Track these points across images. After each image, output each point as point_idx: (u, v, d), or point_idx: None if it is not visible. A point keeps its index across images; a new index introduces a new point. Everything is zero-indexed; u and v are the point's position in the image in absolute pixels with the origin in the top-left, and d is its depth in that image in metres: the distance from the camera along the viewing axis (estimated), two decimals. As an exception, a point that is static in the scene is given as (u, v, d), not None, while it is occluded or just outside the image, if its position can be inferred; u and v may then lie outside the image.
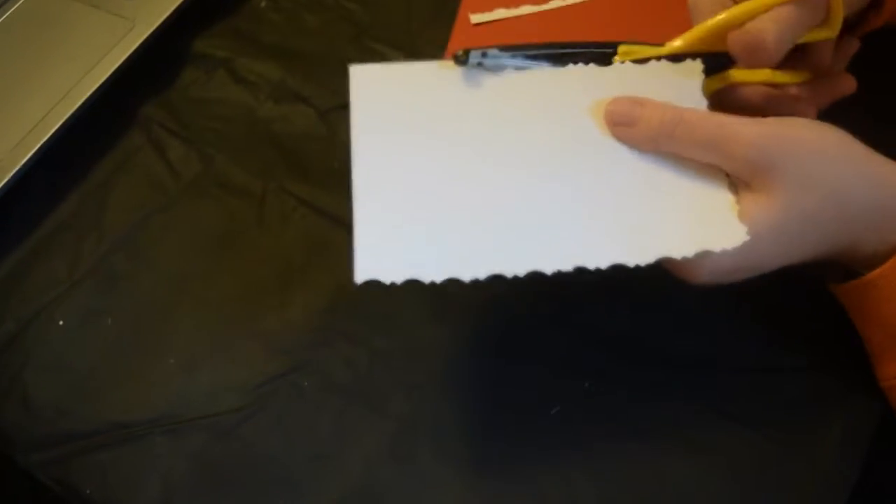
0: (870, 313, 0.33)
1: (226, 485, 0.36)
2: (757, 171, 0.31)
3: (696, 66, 0.34)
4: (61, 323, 0.41)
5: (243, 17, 0.53)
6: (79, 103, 0.46)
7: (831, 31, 0.35)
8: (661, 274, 0.32)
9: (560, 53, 0.34)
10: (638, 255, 0.30)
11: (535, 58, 0.34)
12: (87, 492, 0.37)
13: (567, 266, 0.30)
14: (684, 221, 0.31)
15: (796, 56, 0.36)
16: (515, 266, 0.30)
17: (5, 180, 0.43)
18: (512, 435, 0.37)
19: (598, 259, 0.30)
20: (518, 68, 0.34)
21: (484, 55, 0.33)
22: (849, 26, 0.37)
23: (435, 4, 0.52)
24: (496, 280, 0.41)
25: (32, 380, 0.40)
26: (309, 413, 0.38)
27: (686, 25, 0.38)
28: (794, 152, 0.30)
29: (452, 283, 0.41)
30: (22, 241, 0.44)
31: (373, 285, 0.41)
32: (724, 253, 0.30)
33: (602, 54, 0.34)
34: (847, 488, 0.35)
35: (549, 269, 0.30)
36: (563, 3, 0.51)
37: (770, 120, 0.31)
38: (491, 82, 0.34)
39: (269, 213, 0.44)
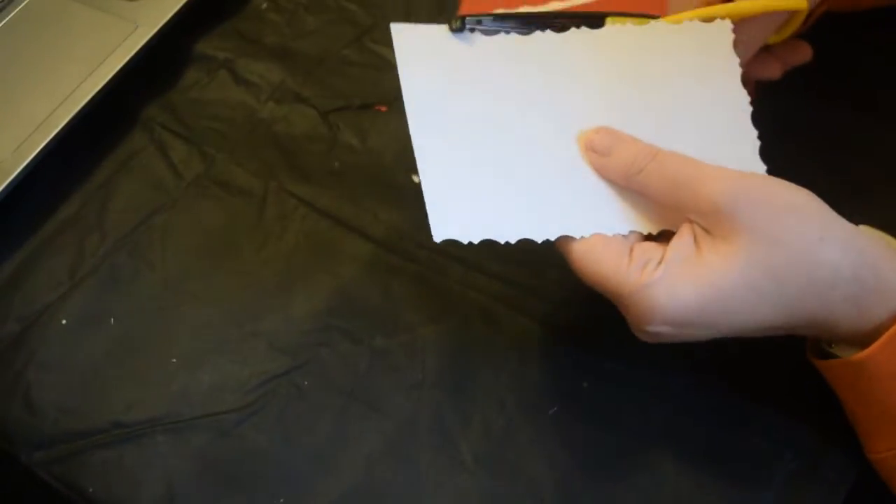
0: (859, 391, 0.32)
1: (226, 484, 0.37)
2: (722, 218, 0.29)
3: (726, 26, 0.34)
4: (64, 322, 0.42)
5: (244, 18, 0.53)
6: (81, 104, 0.46)
7: (782, 37, 0.36)
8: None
9: (553, 22, 0.35)
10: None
11: (528, 25, 0.35)
12: (90, 490, 0.37)
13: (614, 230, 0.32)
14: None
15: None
16: (578, 228, 0.31)
17: (8, 181, 0.44)
18: (511, 435, 0.37)
19: (621, 226, 0.32)
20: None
21: (479, 22, 0.34)
22: None
23: (434, 5, 0.52)
24: (495, 280, 0.41)
25: (35, 379, 0.40)
26: (309, 413, 0.38)
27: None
28: (765, 203, 0.29)
29: (451, 282, 0.42)
30: (24, 241, 0.44)
31: (373, 285, 0.42)
32: (684, 295, 0.29)
33: (590, 25, 0.35)
34: (846, 488, 0.35)
35: (609, 231, 0.32)
36: (562, 5, 0.51)
37: (743, 172, 0.30)
38: (526, 42, 0.35)
39: (269, 214, 0.45)
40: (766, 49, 0.37)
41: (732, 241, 0.29)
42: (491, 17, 0.34)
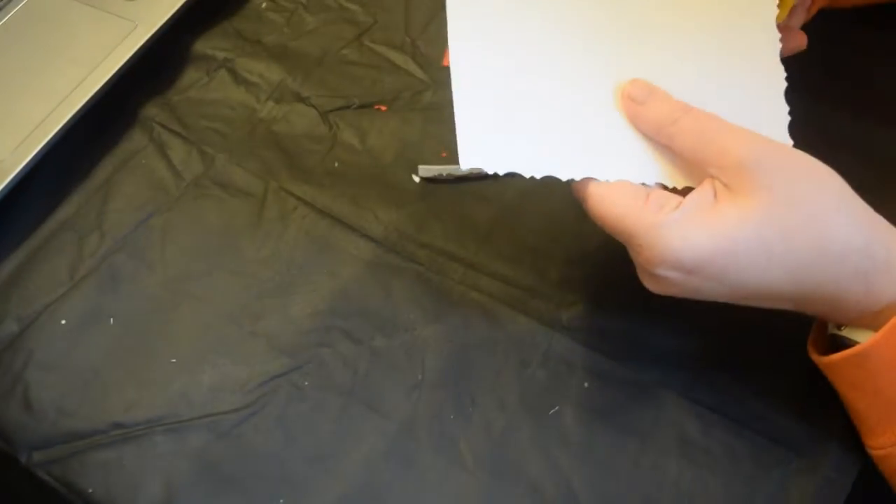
0: (863, 385, 0.32)
1: (226, 484, 0.37)
2: (745, 174, 0.30)
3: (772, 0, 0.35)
4: (63, 323, 0.42)
5: (244, 17, 0.53)
6: (80, 104, 0.46)
7: (779, 17, 0.36)
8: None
9: None
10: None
11: None
12: (89, 491, 0.37)
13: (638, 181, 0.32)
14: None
15: None
16: (603, 172, 0.32)
17: (7, 181, 0.44)
18: (512, 435, 0.37)
19: (645, 177, 0.32)
20: None
21: None
22: None
23: (435, 4, 0.52)
24: (495, 280, 0.41)
25: (34, 379, 0.40)
26: (309, 413, 0.38)
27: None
28: (787, 167, 0.30)
29: (451, 282, 0.42)
30: (24, 241, 0.44)
31: (373, 285, 0.42)
32: (697, 240, 0.29)
33: None
34: (846, 488, 0.35)
35: (635, 179, 0.32)
36: (563, 4, 0.51)
37: (771, 141, 0.31)
38: None
39: (269, 214, 0.44)
40: None
41: (751, 198, 0.29)
42: None
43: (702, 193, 0.31)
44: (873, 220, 0.30)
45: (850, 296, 0.30)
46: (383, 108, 0.48)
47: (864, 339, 0.31)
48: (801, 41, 0.38)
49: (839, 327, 0.33)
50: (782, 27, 0.37)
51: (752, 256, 0.30)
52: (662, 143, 0.33)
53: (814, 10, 0.38)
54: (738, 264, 0.30)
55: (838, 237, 0.30)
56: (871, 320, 0.31)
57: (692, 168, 0.32)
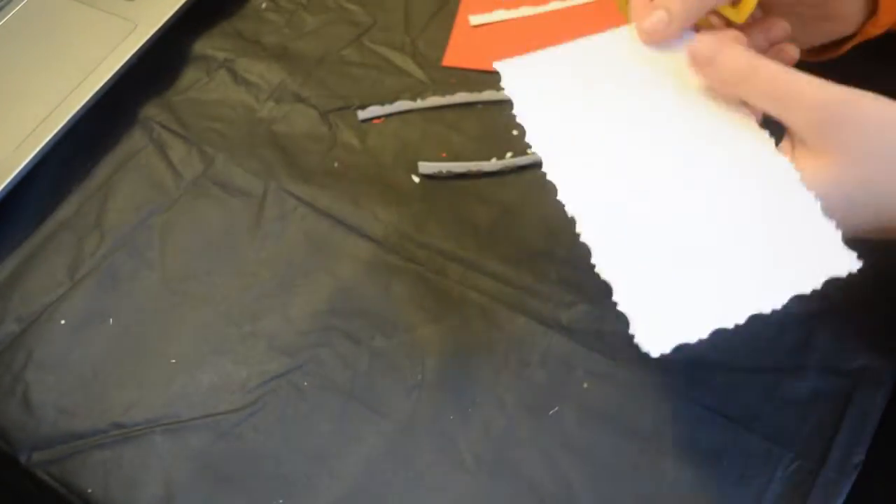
0: None
1: (226, 484, 0.37)
2: (818, 133, 0.30)
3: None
4: (63, 323, 0.42)
5: (244, 18, 0.53)
6: (81, 104, 0.46)
7: (740, 17, 0.35)
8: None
9: None
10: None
11: None
12: (89, 491, 0.37)
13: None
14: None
15: None
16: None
17: (7, 180, 0.44)
18: (511, 435, 0.37)
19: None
20: None
21: None
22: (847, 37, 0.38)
23: (434, 5, 0.52)
24: (495, 280, 0.41)
25: (34, 379, 0.40)
26: (309, 413, 0.38)
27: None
28: (856, 121, 0.30)
29: (451, 282, 0.42)
30: (24, 240, 0.44)
31: (373, 285, 0.42)
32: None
33: None
34: (846, 489, 0.35)
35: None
36: (563, 5, 0.51)
37: (838, 87, 0.31)
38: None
39: (269, 214, 0.44)
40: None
41: (826, 154, 0.30)
42: None
43: (783, 150, 0.32)
44: None
45: None
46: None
47: None
48: (783, 27, 0.37)
49: None
50: (758, 22, 0.37)
51: (834, 206, 0.30)
52: (738, 95, 0.32)
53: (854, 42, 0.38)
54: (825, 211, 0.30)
55: None
56: None
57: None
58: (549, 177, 0.32)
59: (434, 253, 0.42)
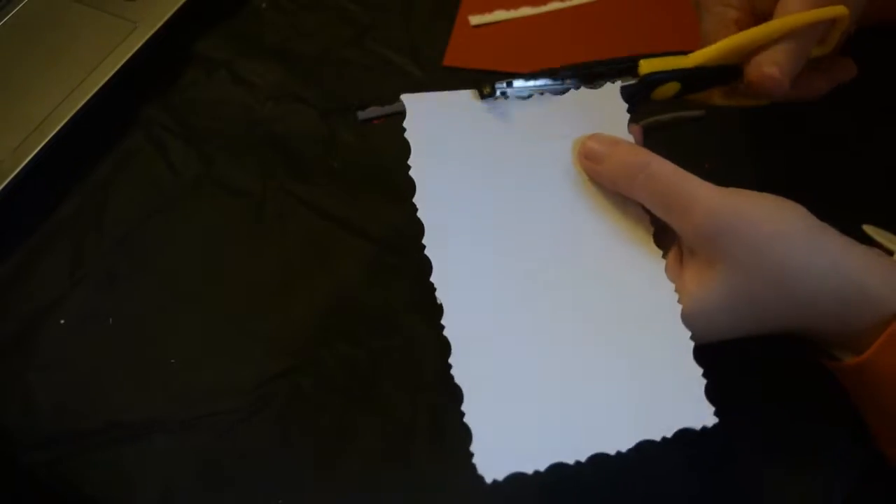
0: (865, 392, 0.32)
1: (226, 484, 0.37)
2: (705, 243, 0.30)
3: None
4: (63, 322, 0.42)
5: (244, 18, 0.53)
6: (81, 104, 0.46)
7: (826, 49, 0.35)
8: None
9: (584, 73, 0.34)
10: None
11: (561, 79, 0.34)
12: (89, 490, 0.37)
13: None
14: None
15: None
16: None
17: (7, 180, 0.44)
18: (511, 435, 0.37)
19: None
20: (540, 92, 0.34)
21: (509, 85, 0.34)
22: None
23: (435, 6, 0.52)
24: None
25: (34, 379, 0.40)
26: (309, 413, 0.38)
27: (683, 27, 0.39)
28: (745, 233, 0.29)
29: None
30: (24, 240, 0.44)
31: (373, 285, 0.42)
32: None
33: (627, 69, 0.35)
34: (846, 489, 0.35)
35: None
36: (562, 5, 0.51)
37: (732, 191, 0.30)
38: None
39: (269, 213, 0.44)
40: (812, 65, 0.36)
41: (713, 267, 0.30)
42: (523, 78, 0.33)
43: (670, 263, 0.32)
44: (844, 265, 0.30)
45: (827, 329, 0.31)
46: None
47: (849, 357, 0.32)
48: (850, 68, 0.37)
49: (829, 347, 0.33)
50: (828, 59, 0.37)
51: (719, 320, 0.30)
52: (625, 193, 0.32)
53: (847, 76, 0.38)
54: (710, 325, 0.30)
55: (807, 290, 0.29)
56: (855, 344, 0.31)
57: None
58: (426, 251, 0.31)
59: (434, 253, 0.42)
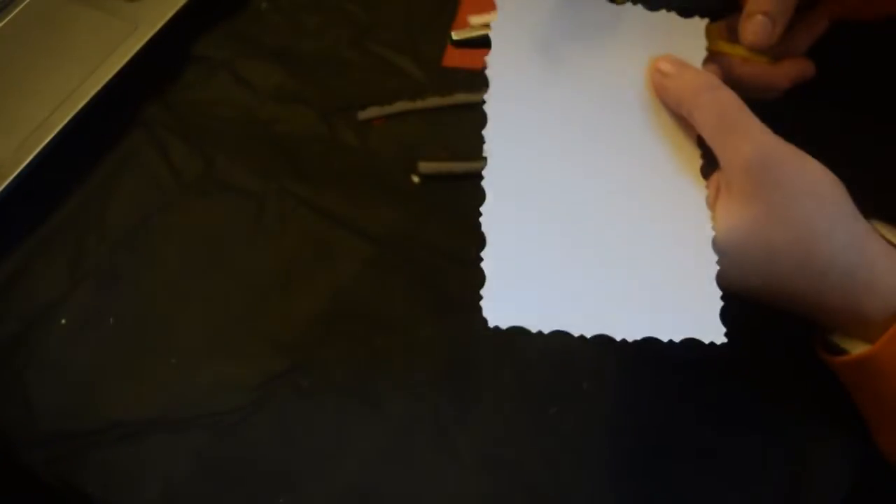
0: (867, 388, 0.32)
1: (226, 484, 0.37)
2: (745, 176, 0.30)
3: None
4: (63, 322, 0.42)
5: (244, 18, 0.53)
6: (81, 104, 0.46)
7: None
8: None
9: None
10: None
11: None
12: (89, 490, 0.37)
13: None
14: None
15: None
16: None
17: (8, 180, 0.44)
18: (511, 435, 0.37)
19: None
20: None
21: None
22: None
23: (435, 6, 0.52)
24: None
25: (34, 379, 0.40)
26: (309, 413, 0.38)
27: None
28: (788, 182, 0.30)
29: (451, 282, 0.42)
30: (24, 240, 0.44)
31: (373, 285, 0.42)
32: None
33: None
34: (845, 489, 0.35)
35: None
36: (563, 4, 0.51)
37: (785, 141, 0.30)
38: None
39: (269, 213, 0.45)
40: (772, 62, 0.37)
41: (746, 207, 0.30)
42: None
43: (710, 186, 0.32)
44: (865, 242, 0.30)
45: (833, 307, 0.31)
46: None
47: (853, 347, 0.32)
48: (807, 69, 0.37)
49: (832, 332, 0.33)
50: (788, 55, 0.37)
51: (732, 261, 0.30)
52: (685, 113, 0.33)
53: (820, 30, 0.38)
54: (721, 264, 0.30)
55: (821, 258, 0.30)
56: (862, 332, 0.31)
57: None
58: (485, 105, 0.32)
59: (434, 253, 0.42)
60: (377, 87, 0.49)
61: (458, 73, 0.49)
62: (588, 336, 0.29)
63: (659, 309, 0.30)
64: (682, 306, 0.30)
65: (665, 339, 0.29)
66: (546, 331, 0.29)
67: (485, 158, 0.32)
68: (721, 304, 0.30)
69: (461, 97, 0.47)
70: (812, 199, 0.30)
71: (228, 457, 0.37)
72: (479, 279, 0.29)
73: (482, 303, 0.29)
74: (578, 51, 0.35)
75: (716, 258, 0.30)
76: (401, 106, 0.47)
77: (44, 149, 0.45)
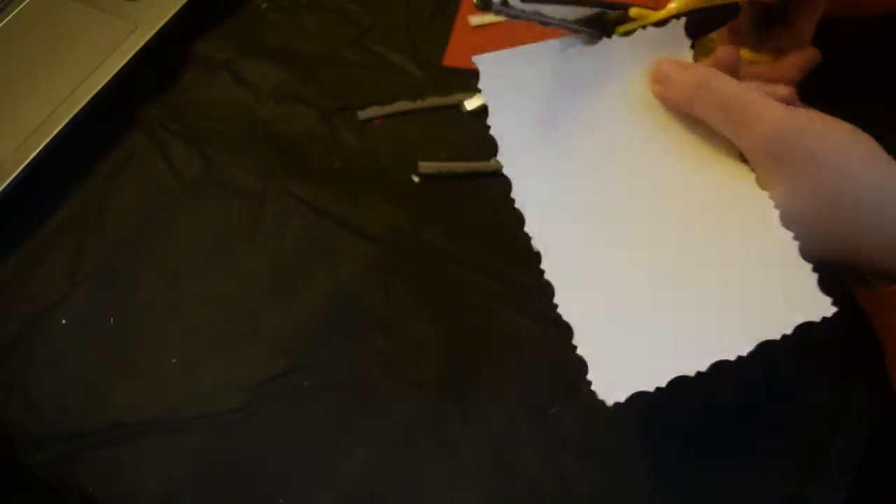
0: (888, 321, 0.33)
1: (226, 483, 0.37)
2: (766, 159, 0.30)
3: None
4: (64, 322, 0.42)
5: (244, 18, 0.53)
6: (81, 104, 0.46)
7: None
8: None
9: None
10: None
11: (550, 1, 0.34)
12: (90, 490, 0.37)
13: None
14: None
15: (778, 32, 0.37)
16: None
17: (9, 181, 0.44)
18: (511, 435, 0.37)
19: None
20: (534, 12, 0.34)
21: (504, 3, 0.33)
22: None
23: (435, 6, 0.52)
24: (495, 280, 0.41)
25: (35, 379, 0.40)
26: (309, 413, 0.38)
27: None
28: (809, 152, 0.29)
29: (451, 282, 0.42)
30: (25, 241, 0.45)
31: (373, 285, 0.42)
32: None
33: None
34: (845, 489, 0.35)
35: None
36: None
37: (799, 110, 0.30)
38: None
39: (269, 214, 0.45)
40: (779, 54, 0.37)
41: (771, 187, 0.30)
42: None
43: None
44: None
45: (872, 253, 0.30)
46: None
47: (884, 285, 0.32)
48: (813, 56, 0.37)
49: (871, 277, 0.33)
50: (793, 47, 0.37)
51: (808, 229, 0.30)
52: (692, 114, 0.32)
53: (819, 13, 0.38)
54: (799, 236, 0.30)
55: (857, 217, 0.29)
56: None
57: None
58: (517, 204, 0.32)
59: (434, 253, 0.42)
60: (377, 87, 0.49)
61: (458, 73, 0.49)
62: (704, 370, 0.28)
63: (755, 310, 0.29)
64: (778, 300, 0.29)
65: (777, 337, 0.28)
66: (663, 384, 0.28)
67: (537, 253, 0.31)
68: (815, 276, 0.29)
69: (461, 97, 0.47)
70: (837, 159, 0.29)
71: (228, 457, 0.37)
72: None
73: (593, 388, 0.28)
74: (576, 92, 0.34)
75: (791, 234, 0.29)
76: (401, 106, 0.47)
77: (44, 149, 0.45)
